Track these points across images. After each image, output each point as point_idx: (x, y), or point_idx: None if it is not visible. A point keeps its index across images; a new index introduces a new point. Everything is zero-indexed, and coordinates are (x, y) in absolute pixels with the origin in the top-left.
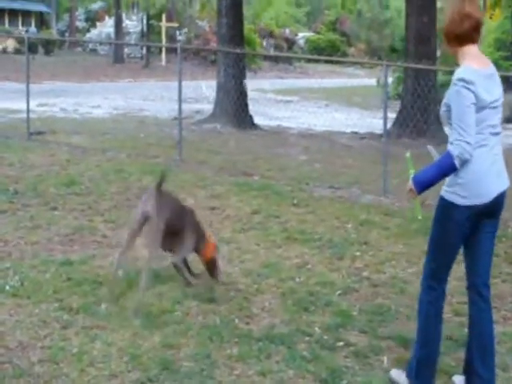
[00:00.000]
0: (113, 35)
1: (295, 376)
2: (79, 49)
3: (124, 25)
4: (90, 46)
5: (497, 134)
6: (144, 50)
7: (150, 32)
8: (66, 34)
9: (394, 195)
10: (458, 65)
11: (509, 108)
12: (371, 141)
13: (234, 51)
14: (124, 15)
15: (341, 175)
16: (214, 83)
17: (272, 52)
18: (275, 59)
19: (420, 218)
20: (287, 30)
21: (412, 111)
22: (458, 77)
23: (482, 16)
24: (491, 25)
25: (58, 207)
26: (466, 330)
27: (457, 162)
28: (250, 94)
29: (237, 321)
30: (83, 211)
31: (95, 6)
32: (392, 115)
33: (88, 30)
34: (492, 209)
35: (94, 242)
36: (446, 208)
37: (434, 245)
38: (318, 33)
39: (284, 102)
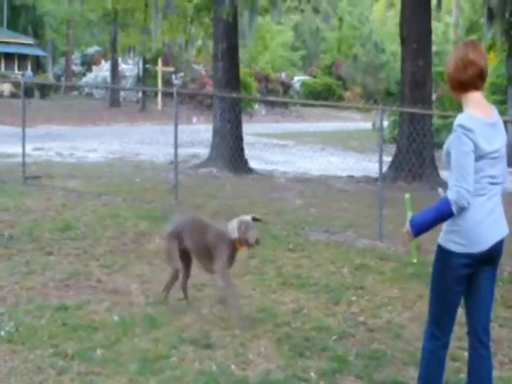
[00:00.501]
0: (109, 79)
1: None
2: (75, 92)
3: (120, 69)
4: (86, 89)
5: (496, 184)
6: (140, 94)
7: (146, 76)
8: (62, 78)
9: (389, 239)
10: (455, 110)
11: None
12: (367, 184)
13: (230, 96)
14: (120, 59)
15: (336, 219)
16: (209, 127)
17: (267, 96)
18: (271, 103)
19: (415, 261)
20: (283, 74)
21: (407, 155)
22: (458, 123)
23: (487, 62)
24: None
25: (54, 252)
26: (463, 375)
27: (454, 208)
28: (246, 138)
29: (233, 367)
30: (78, 256)
31: (91, 50)
32: (387, 159)
33: (84, 74)
34: (490, 256)
35: (90, 286)
36: (443, 255)
37: (434, 292)
38: (314, 76)
39: (280, 146)
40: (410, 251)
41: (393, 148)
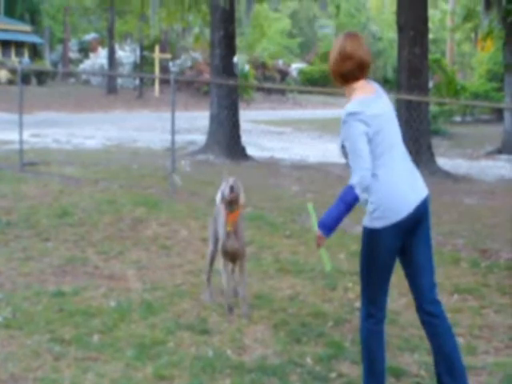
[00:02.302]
0: (106, 66)
1: None
2: (72, 79)
3: (117, 56)
4: (84, 76)
5: (395, 148)
6: (137, 81)
7: (143, 63)
8: (60, 65)
9: None
10: (452, 97)
11: (500, 139)
12: None
13: (227, 83)
14: (117, 46)
15: None
16: (207, 114)
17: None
18: (268, 91)
19: (329, 269)
20: (280, 61)
21: (404, 142)
22: (347, 112)
23: (366, 53)
24: (483, 56)
25: (51, 238)
26: None
27: (358, 191)
28: (243, 125)
29: (229, 352)
30: (76, 242)
31: (88, 37)
32: None
33: (81, 61)
34: (414, 222)
35: (87, 272)
36: (370, 235)
37: (366, 271)
38: (311, 64)
39: (277, 133)
40: (321, 259)
41: None
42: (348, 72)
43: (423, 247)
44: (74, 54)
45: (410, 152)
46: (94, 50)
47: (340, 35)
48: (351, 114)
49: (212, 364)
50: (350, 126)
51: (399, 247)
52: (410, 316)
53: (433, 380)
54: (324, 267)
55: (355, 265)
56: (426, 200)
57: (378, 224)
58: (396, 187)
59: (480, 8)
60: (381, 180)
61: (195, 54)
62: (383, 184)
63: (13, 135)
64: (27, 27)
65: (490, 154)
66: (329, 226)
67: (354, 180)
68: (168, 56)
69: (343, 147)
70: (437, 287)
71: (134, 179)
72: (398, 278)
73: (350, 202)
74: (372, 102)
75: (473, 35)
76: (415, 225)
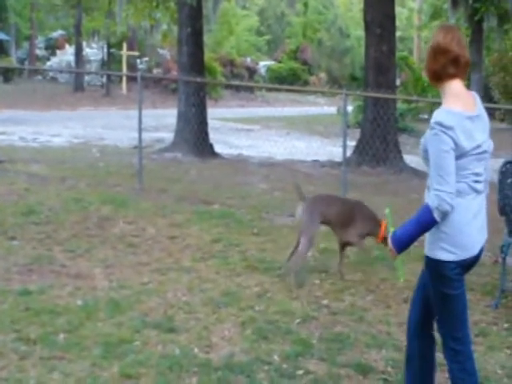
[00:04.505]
0: (73, 63)
1: None
2: (39, 77)
3: (84, 53)
4: (50, 74)
5: (481, 182)
6: (104, 79)
7: (110, 60)
8: (26, 62)
9: None
10: (419, 94)
11: None
12: (331, 169)
13: (195, 80)
14: (84, 43)
15: None
16: (175, 112)
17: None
18: (236, 88)
19: (402, 280)
20: (248, 59)
21: (371, 139)
22: (436, 120)
23: (463, 49)
24: None
25: (17, 237)
26: None
27: (436, 215)
28: (211, 123)
29: (196, 350)
30: (42, 241)
31: (55, 34)
32: (352, 143)
33: (48, 59)
34: (474, 262)
35: (53, 271)
36: (436, 267)
37: (441, 307)
38: (279, 61)
39: (245, 131)
40: (396, 269)
41: (357, 133)
42: (440, 68)
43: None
44: (40, 52)
45: (377, 150)
46: (60, 47)
47: (436, 28)
48: (440, 125)
49: (179, 362)
50: (438, 137)
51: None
52: (378, 312)
53: (400, 376)
54: (398, 277)
55: (322, 262)
56: (484, 246)
57: (444, 256)
58: (469, 224)
59: (447, 6)
60: (457, 211)
61: (163, 51)
62: (459, 215)
63: None
64: None
65: None
66: (400, 244)
67: (433, 203)
68: (135, 53)
69: (426, 151)
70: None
71: (101, 177)
72: (365, 275)
73: (426, 225)
74: (469, 122)
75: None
76: (471, 266)
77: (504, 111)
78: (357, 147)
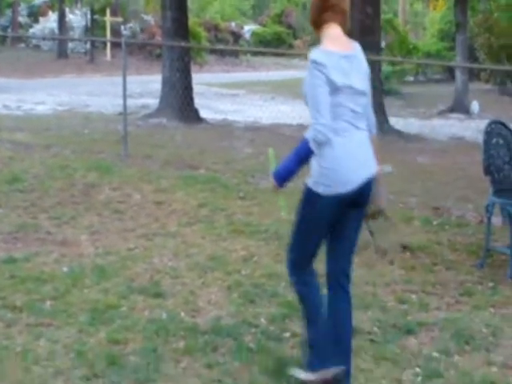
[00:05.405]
0: (56, 30)
1: (242, 368)
2: (22, 44)
3: (67, 20)
4: (34, 41)
5: (360, 120)
6: (88, 45)
7: (94, 27)
8: (9, 30)
9: None
10: (405, 56)
11: (451, 98)
12: None
13: (179, 44)
14: (67, 10)
15: None
16: (159, 78)
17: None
18: (221, 53)
19: (283, 214)
20: (233, 24)
21: None
22: (311, 58)
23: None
24: (435, 15)
25: (1, 205)
26: (410, 317)
27: (313, 146)
28: (196, 88)
29: (183, 314)
30: (27, 208)
31: (38, 1)
32: None
33: (31, 26)
34: (357, 198)
35: (38, 239)
36: (310, 198)
37: (298, 233)
38: (264, 26)
39: (230, 96)
40: (279, 205)
41: None
42: (319, 12)
43: (355, 222)
44: (23, 19)
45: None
46: (43, 14)
47: None
48: (314, 62)
49: (165, 327)
50: (311, 73)
51: (333, 217)
52: (364, 274)
53: (386, 336)
54: (281, 211)
55: None
56: (372, 178)
57: (321, 189)
58: (349, 158)
59: None
60: (336, 147)
61: (147, 17)
62: (337, 151)
63: None
64: None
65: (441, 113)
66: (282, 177)
67: (309, 134)
68: (119, 19)
69: (305, 95)
70: (352, 264)
71: (86, 144)
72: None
73: (303, 157)
74: (342, 60)
75: None
76: (357, 200)
77: (489, 72)
78: None
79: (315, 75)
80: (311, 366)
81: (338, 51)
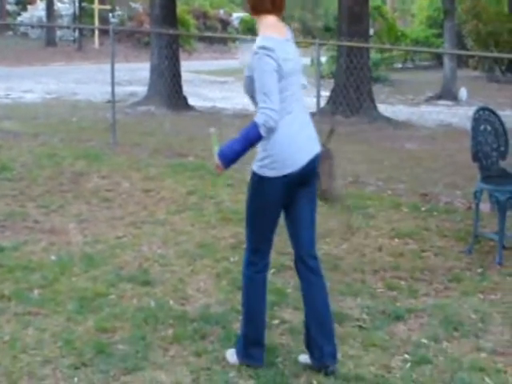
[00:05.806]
0: (44, 18)
1: None
2: (10, 32)
3: (56, 8)
4: (22, 29)
5: (297, 98)
6: (77, 33)
7: (82, 14)
8: None
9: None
10: (393, 44)
11: (440, 85)
12: None
13: (167, 32)
14: None
15: None
16: (148, 65)
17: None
18: (210, 40)
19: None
20: (221, 11)
21: (345, 89)
22: (259, 45)
23: None
24: (423, 2)
25: None
26: (399, 304)
27: (262, 131)
28: (185, 76)
29: (171, 302)
30: (15, 197)
31: None
32: (326, 93)
33: (19, 14)
34: (304, 177)
35: (26, 227)
36: (258, 182)
37: (251, 220)
38: None
39: (218, 83)
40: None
41: (331, 83)
42: (259, 2)
43: (308, 202)
44: (11, 7)
45: (351, 99)
46: (31, 1)
47: None
48: (264, 48)
49: (154, 315)
50: (261, 60)
51: (284, 199)
52: (353, 261)
53: (375, 323)
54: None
55: None
56: (317, 157)
57: (268, 172)
58: (292, 139)
59: None
60: (280, 130)
61: (135, 4)
62: (280, 133)
63: None
64: None
65: (430, 100)
66: (228, 159)
67: (259, 119)
68: (107, 7)
69: (250, 83)
70: (315, 244)
71: (75, 132)
72: (340, 224)
73: (252, 140)
74: (284, 45)
75: None
76: (304, 179)
77: (477, 59)
78: (330, 97)
79: (265, 61)
80: (238, 355)
81: (280, 37)
